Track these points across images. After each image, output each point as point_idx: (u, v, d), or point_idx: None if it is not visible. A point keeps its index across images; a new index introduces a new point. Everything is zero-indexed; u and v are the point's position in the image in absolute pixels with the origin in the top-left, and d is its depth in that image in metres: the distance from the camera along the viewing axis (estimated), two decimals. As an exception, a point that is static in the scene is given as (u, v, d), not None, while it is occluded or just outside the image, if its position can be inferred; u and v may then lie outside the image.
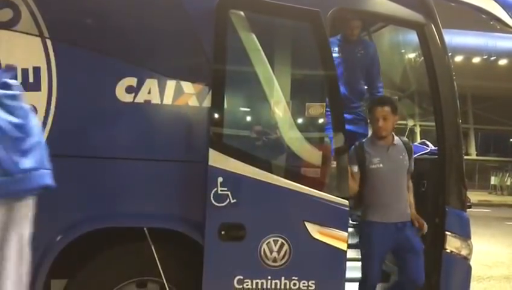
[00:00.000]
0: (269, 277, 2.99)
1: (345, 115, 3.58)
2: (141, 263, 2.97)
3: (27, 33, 2.79)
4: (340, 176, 3.11)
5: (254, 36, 3.00)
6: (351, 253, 3.46)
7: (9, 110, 1.96)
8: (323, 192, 3.03)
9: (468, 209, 3.45)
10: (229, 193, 2.91)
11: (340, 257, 3.06)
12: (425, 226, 3.47)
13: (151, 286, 3.06)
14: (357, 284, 3.53)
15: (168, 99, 2.94)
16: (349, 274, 3.16)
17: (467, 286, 3.43)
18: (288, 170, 3.17)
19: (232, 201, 2.91)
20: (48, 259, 2.79)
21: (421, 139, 4.57)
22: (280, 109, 3.21)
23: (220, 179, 2.90)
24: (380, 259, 3.50)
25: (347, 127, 3.31)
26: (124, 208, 2.94)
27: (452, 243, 3.32)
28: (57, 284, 3.01)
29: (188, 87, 2.97)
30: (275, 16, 3.11)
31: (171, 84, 2.94)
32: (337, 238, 3.03)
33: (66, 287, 2.99)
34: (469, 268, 3.42)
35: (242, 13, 2.98)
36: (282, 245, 3.00)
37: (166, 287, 2.95)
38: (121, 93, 2.89)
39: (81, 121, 2.89)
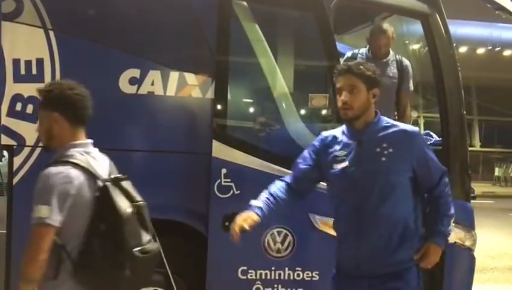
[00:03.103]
0: (273, 268, 3.00)
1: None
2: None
3: (30, 25, 2.78)
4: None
5: (257, 27, 2.99)
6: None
7: None
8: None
9: (472, 201, 3.44)
10: (232, 184, 2.92)
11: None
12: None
13: (155, 276, 3.07)
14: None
15: (171, 91, 2.94)
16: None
17: (471, 276, 3.42)
18: (291, 161, 3.16)
19: (236, 192, 2.92)
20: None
21: (424, 130, 4.55)
22: (283, 99, 3.20)
23: (224, 171, 2.91)
24: None
25: None
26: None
27: (456, 234, 3.30)
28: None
29: (191, 78, 2.96)
30: (278, 6, 3.09)
31: (174, 76, 2.93)
32: (340, 229, 3.03)
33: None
34: (473, 259, 3.42)
35: (245, 3, 2.97)
36: (286, 236, 3.00)
37: (171, 277, 2.96)
38: (124, 84, 2.88)
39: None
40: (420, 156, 2.32)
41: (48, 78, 2.79)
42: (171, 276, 2.97)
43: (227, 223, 2.91)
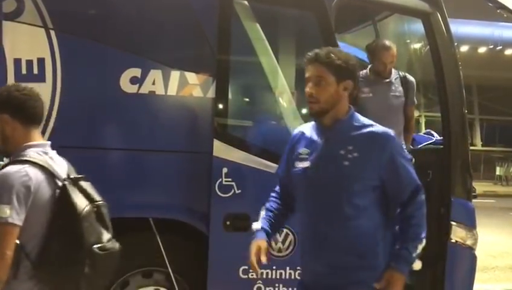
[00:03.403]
0: (274, 267, 3.00)
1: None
2: (147, 254, 2.98)
3: (31, 24, 2.78)
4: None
5: (258, 26, 2.99)
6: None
7: None
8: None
9: (473, 200, 3.44)
10: (233, 183, 2.92)
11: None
12: None
13: (157, 276, 3.07)
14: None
15: (172, 90, 2.94)
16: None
17: (472, 276, 3.42)
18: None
19: (237, 191, 2.92)
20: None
21: (426, 129, 4.53)
22: (284, 99, 3.20)
23: (225, 170, 2.91)
24: None
25: None
26: (129, 199, 2.95)
27: (457, 233, 3.31)
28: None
29: (192, 77, 2.96)
30: (278, 4, 3.09)
31: (175, 75, 2.93)
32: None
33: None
34: (474, 258, 3.42)
35: (246, 2, 2.97)
36: (287, 235, 3.01)
37: (172, 277, 2.97)
38: (125, 84, 2.88)
39: (86, 112, 2.89)
40: (389, 165, 2.01)
41: (49, 77, 2.79)
42: (172, 275, 2.97)
43: (228, 223, 2.93)
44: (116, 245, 2.02)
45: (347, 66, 2.04)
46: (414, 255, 2.00)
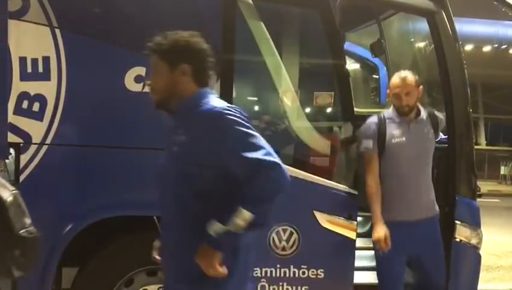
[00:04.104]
0: (278, 266, 3.01)
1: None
2: (151, 252, 2.99)
3: (36, 23, 2.79)
4: (350, 165, 3.10)
5: (263, 25, 2.98)
6: (360, 242, 3.46)
7: None
8: (333, 181, 3.03)
9: (477, 199, 3.43)
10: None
11: (349, 246, 3.06)
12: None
13: (161, 274, 3.07)
14: (365, 273, 3.53)
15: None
16: (358, 263, 3.17)
17: (477, 275, 3.42)
18: (296, 159, 3.18)
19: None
20: (59, 248, 2.82)
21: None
22: (289, 98, 3.21)
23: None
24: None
25: None
26: (134, 197, 2.96)
27: (462, 232, 3.30)
28: (68, 273, 3.03)
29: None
30: (283, 3, 3.09)
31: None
32: (346, 228, 3.03)
33: (76, 275, 3.01)
34: (479, 257, 3.41)
35: (250, 1, 2.97)
36: (291, 234, 3.01)
37: (176, 275, 2.97)
38: (130, 82, 2.89)
39: (91, 111, 2.90)
40: (218, 147, 1.81)
41: (54, 76, 2.80)
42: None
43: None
44: (35, 229, 2.05)
45: (176, 50, 1.90)
46: (224, 227, 1.77)
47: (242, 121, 1.83)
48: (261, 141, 1.83)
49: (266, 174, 1.77)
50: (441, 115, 3.23)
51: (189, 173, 1.86)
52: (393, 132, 3.01)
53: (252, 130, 1.84)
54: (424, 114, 3.11)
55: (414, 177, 3.01)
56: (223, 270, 1.82)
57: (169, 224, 1.99)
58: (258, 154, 1.78)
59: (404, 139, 2.99)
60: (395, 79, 3.02)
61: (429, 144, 3.10)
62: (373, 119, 3.06)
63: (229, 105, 1.88)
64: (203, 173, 1.84)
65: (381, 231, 2.91)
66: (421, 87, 3.05)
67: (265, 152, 1.79)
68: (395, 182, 3.00)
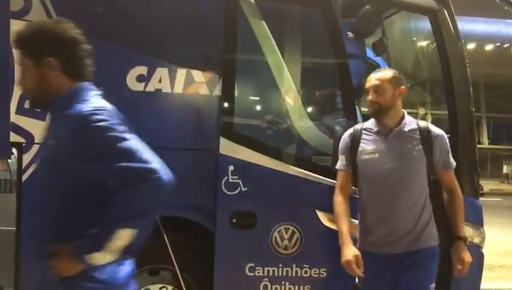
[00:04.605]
0: (280, 265, 3.01)
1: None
2: (154, 251, 2.99)
3: (38, 23, 2.79)
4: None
5: (264, 24, 2.98)
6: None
7: None
8: (335, 180, 3.02)
9: (480, 198, 3.42)
10: (240, 181, 2.92)
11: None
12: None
13: (163, 273, 3.08)
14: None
15: (178, 88, 2.94)
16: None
17: (480, 274, 3.41)
18: (299, 158, 3.18)
19: (243, 189, 2.92)
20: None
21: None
22: (291, 97, 3.20)
23: (231, 168, 2.91)
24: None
25: None
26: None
27: (465, 231, 3.29)
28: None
29: (198, 75, 2.96)
30: (284, 1, 3.08)
31: (181, 73, 2.94)
32: (348, 227, 3.03)
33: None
34: (481, 256, 3.40)
35: (252, 0, 2.96)
36: (293, 233, 3.01)
37: (179, 275, 2.97)
38: (131, 82, 2.89)
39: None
40: (83, 154, 1.61)
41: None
42: (179, 273, 2.97)
43: (234, 220, 2.93)
44: None
45: (36, 42, 1.67)
46: (101, 241, 1.61)
47: (112, 126, 1.65)
48: (135, 145, 1.65)
49: (138, 186, 1.59)
50: (440, 131, 2.69)
51: (53, 179, 1.69)
52: (366, 146, 2.63)
53: (125, 133, 1.66)
54: (410, 126, 2.62)
55: (391, 201, 2.57)
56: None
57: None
58: (129, 163, 1.59)
59: (376, 155, 2.59)
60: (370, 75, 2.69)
61: (413, 162, 2.58)
62: (348, 132, 2.76)
63: (101, 106, 1.70)
64: (66, 180, 1.66)
65: (348, 254, 2.56)
66: (402, 87, 2.62)
67: (139, 158, 1.60)
68: (368, 204, 2.66)
